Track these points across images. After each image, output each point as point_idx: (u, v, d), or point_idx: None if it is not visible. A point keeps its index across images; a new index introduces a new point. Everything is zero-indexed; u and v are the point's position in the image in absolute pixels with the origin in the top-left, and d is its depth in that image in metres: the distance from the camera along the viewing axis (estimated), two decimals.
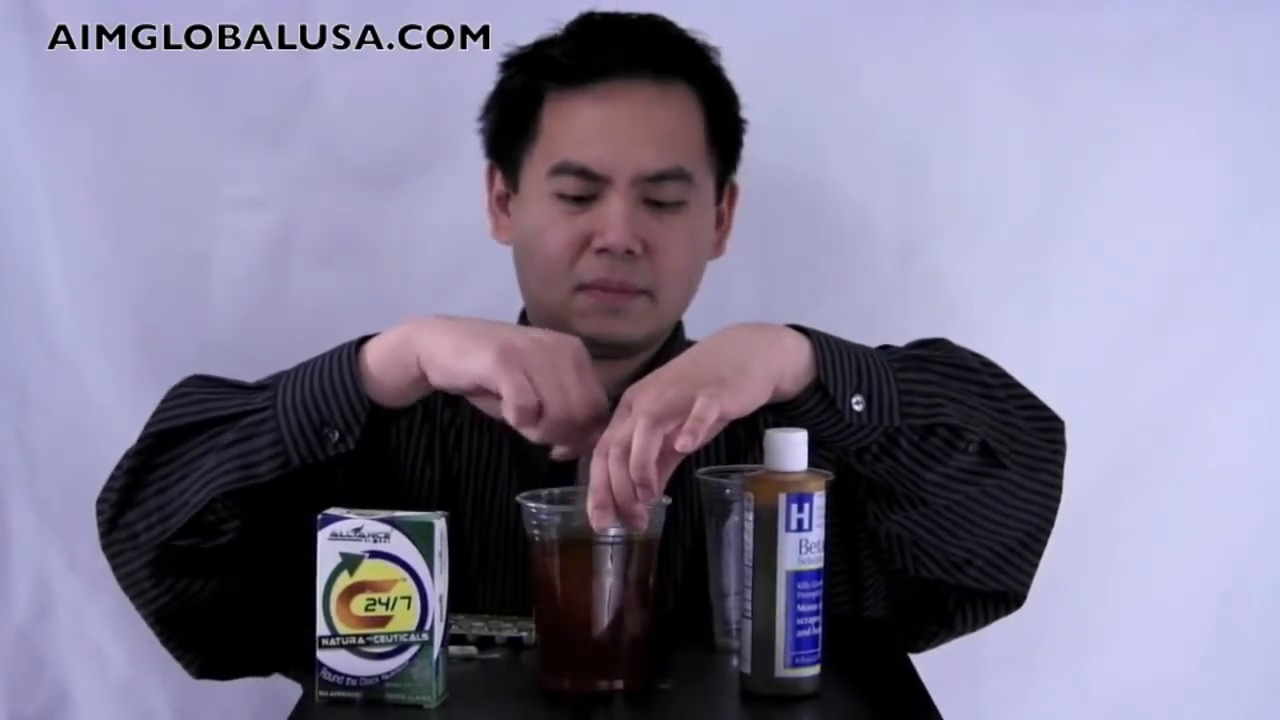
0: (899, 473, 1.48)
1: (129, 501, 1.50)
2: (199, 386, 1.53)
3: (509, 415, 1.39)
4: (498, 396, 1.39)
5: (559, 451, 1.42)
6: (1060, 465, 1.55)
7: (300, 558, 1.37)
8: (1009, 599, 1.59)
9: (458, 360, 1.41)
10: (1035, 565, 1.58)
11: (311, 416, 1.45)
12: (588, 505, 1.35)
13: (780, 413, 1.45)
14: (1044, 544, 1.57)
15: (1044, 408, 1.55)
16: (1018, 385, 1.55)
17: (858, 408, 1.45)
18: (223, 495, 1.46)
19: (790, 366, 1.43)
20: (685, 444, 1.34)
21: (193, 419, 1.49)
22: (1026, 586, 1.58)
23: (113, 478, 1.52)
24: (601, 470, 1.35)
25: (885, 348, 1.54)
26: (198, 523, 1.47)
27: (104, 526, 1.52)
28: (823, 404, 1.45)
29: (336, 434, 1.45)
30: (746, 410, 1.39)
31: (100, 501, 1.53)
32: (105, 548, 1.53)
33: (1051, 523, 1.56)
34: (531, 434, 1.41)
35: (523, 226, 1.66)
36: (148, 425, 1.52)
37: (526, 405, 1.38)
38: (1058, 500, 1.55)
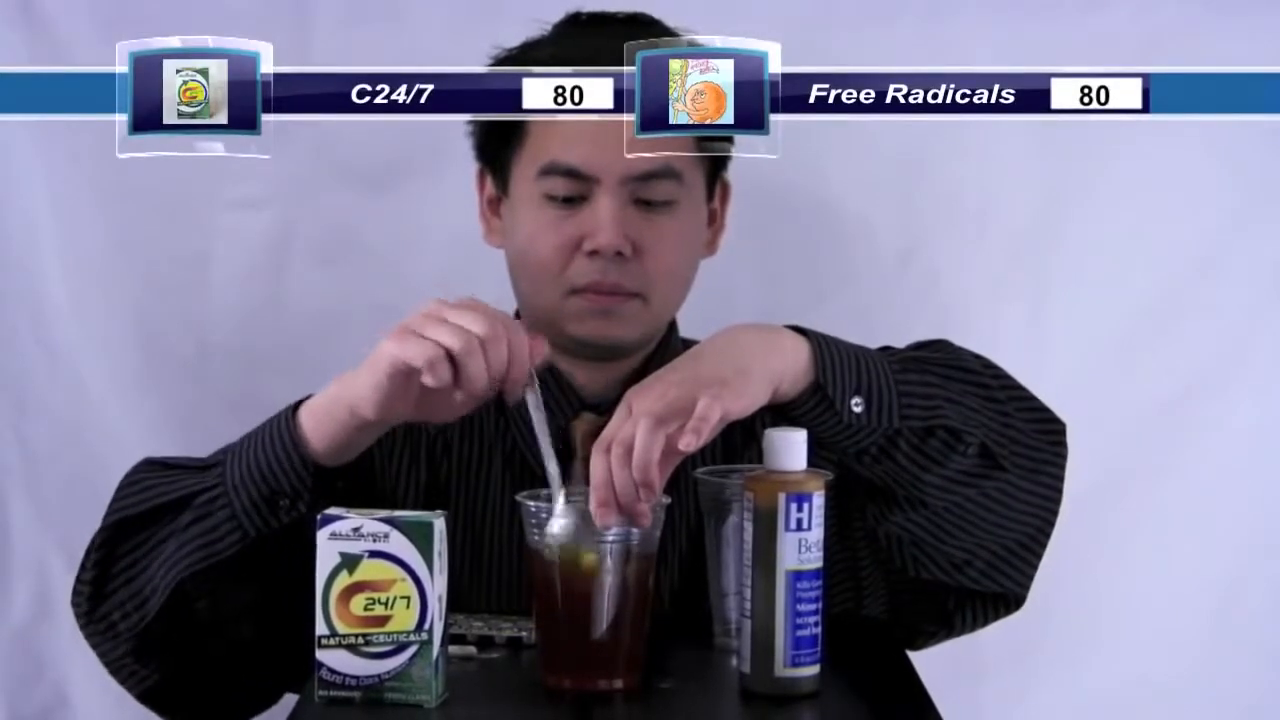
0: (898, 474, 1.48)
1: (100, 594, 1.52)
2: (149, 472, 1.54)
3: (428, 379, 1.38)
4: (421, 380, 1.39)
5: (511, 397, 1.41)
6: (1061, 468, 1.55)
7: (285, 606, 1.39)
8: (1009, 600, 1.59)
9: (372, 375, 1.42)
10: (1035, 567, 1.58)
11: (260, 488, 1.46)
12: (590, 504, 1.35)
13: (780, 414, 1.45)
14: (1044, 546, 1.57)
15: (1045, 410, 1.55)
16: (1019, 387, 1.55)
17: (857, 409, 1.45)
18: (190, 575, 1.47)
19: (790, 368, 1.43)
20: (689, 443, 1.34)
21: (146, 506, 1.51)
22: (1026, 588, 1.58)
23: (82, 568, 1.54)
24: (603, 468, 1.35)
25: (886, 349, 1.54)
26: (172, 604, 1.48)
27: (81, 619, 1.54)
28: (822, 405, 1.45)
29: (287, 501, 1.46)
30: (748, 411, 1.39)
31: (74, 594, 1.54)
32: (87, 638, 1.55)
33: (1052, 525, 1.56)
34: (472, 384, 1.39)
35: (513, 230, 1.66)
36: (105, 517, 1.53)
37: (433, 356, 1.38)
38: (1058, 503, 1.55)
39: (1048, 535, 1.56)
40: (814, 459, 1.40)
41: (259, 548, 1.47)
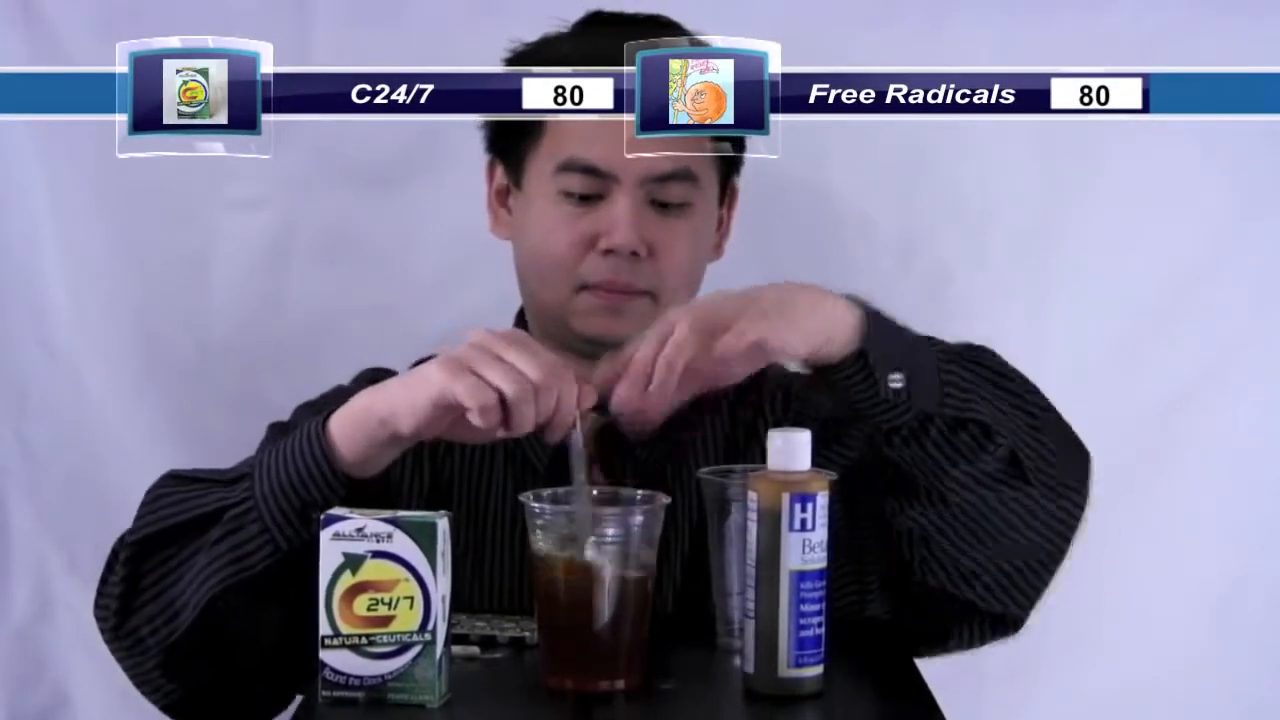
0: (925, 462, 1.48)
1: (128, 609, 1.50)
2: (174, 486, 1.52)
3: (476, 420, 1.38)
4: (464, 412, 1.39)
5: (552, 438, 1.42)
6: (1084, 496, 1.54)
7: (306, 616, 1.38)
8: (1008, 622, 1.58)
9: (414, 397, 1.41)
10: (1040, 592, 1.57)
11: (292, 501, 1.45)
12: (618, 389, 1.39)
13: (819, 376, 1.46)
14: (1053, 573, 1.56)
15: (1077, 438, 1.55)
16: (1056, 411, 1.55)
17: (895, 385, 1.45)
18: (222, 590, 1.46)
19: (837, 332, 1.45)
20: (727, 345, 1.37)
21: (174, 521, 1.49)
22: (1027, 612, 1.58)
23: (104, 581, 1.52)
24: (629, 350, 1.40)
25: (932, 339, 1.53)
26: (202, 620, 1.47)
27: (108, 634, 1.52)
28: (862, 374, 1.45)
29: (319, 513, 1.44)
30: (783, 351, 1.42)
31: (99, 608, 1.52)
32: (113, 652, 1.53)
33: (1063, 553, 1.55)
34: (518, 429, 1.40)
35: (526, 224, 1.66)
36: (131, 531, 1.51)
37: (486, 401, 1.38)
38: (1074, 529, 1.54)
39: (1058, 563, 1.55)
40: (819, 458, 1.40)
41: (289, 560, 1.46)
